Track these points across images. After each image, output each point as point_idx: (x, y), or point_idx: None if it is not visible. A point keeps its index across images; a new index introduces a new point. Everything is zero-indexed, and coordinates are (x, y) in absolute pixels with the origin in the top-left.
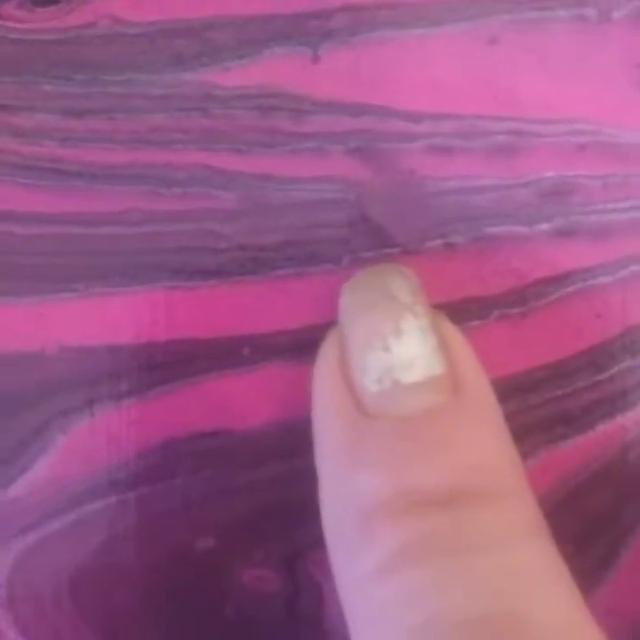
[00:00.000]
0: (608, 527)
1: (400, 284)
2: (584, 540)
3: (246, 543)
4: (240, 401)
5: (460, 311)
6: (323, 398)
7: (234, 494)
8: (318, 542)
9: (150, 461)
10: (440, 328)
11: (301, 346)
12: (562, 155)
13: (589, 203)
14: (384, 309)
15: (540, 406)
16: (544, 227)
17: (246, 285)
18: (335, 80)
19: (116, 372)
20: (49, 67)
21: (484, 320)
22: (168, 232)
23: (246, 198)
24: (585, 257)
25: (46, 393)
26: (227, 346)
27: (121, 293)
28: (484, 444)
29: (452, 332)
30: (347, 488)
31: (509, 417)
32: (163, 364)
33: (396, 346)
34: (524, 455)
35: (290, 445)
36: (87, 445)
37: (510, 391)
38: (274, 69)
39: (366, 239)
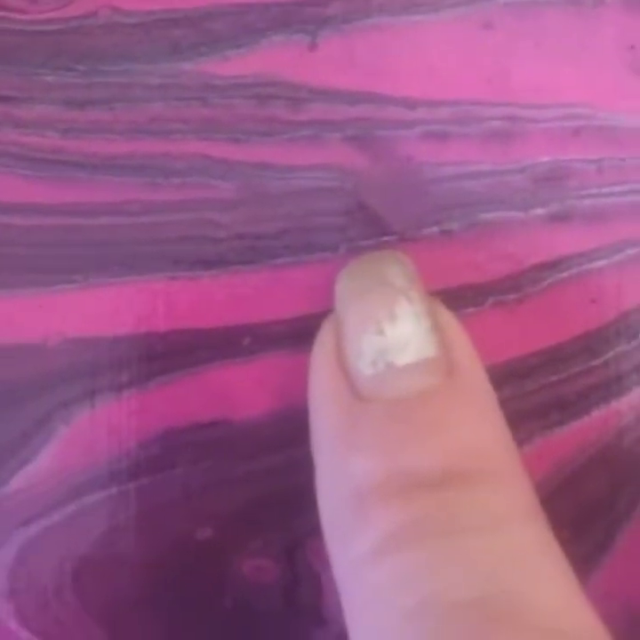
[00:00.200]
0: (604, 512)
1: (395, 270)
2: (580, 526)
3: (245, 533)
4: (239, 391)
5: (455, 297)
6: (318, 383)
7: (233, 484)
8: (317, 531)
9: (150, 452)
10: (435, 313)
11: (299, 335)
12: (557, 139)
13: (584, 187)
14: (379, 295)
15: (535, 392)
16: (539, 212)
17: (245, 274)
18: (332, 68)
19: (116, 363)
20: (50, 57)
21: (479, 306)
22: (167, 222)
23: (244, 187)
24: (580, 241)
25: (47, 384)
26: (226, 336)
27: (120, 284)
28: (477, 426)
29: (447, 317)
30: (341, 472)
31: (505, 403)
32: (162, 355)
33: (390, 330)
34: (520, 441)
35: (289, 435)
36: (88, 436)
37: (506, 377)
38: (271, 58)
39: (363, 227)
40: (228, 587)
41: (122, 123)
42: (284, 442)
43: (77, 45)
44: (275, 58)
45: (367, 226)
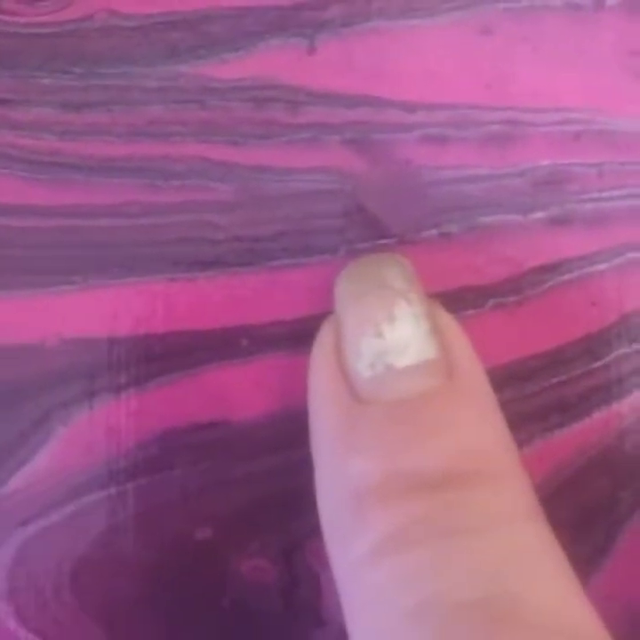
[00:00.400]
0: (604, 514)
1: (395, 272)
2: (580, 528)
3: (244, 534)
4: (238, 392)
5: (455, 300)
6: (318, 385)
7: (231, 485)
8: (315, 533)
9: (149, 452)
10: (434, 315)
11: (298, 336)
12: (556, 143)
13: (585, 191)
14: (378, 297)
15: (535, 394)
16: (539, 215)
17: (243, 276)
18: (330, 71)
19: (114, 364)
20: (47, 60)
21: (479, 309)
22: (166, 224)
23: (243, 190)
24: (581, 245)
25: (46, 385)
26: (224, 337)
27: (119, 285)
28: (478, 428)
29: (446, 319)
30: (340, 473)
31: (505, 405)
32: (161, 356)
33: (389, 332)
34: (520, 443)
35: (287, 437)
36: (87, 437)
37: (506, 379)
38: (269, 61)
39: (362, 229)
40: (227, 587)
41: (120, 125)
42: (283, 443)
43: (74, 48)
44: (273, 61)
45: (366, 228)
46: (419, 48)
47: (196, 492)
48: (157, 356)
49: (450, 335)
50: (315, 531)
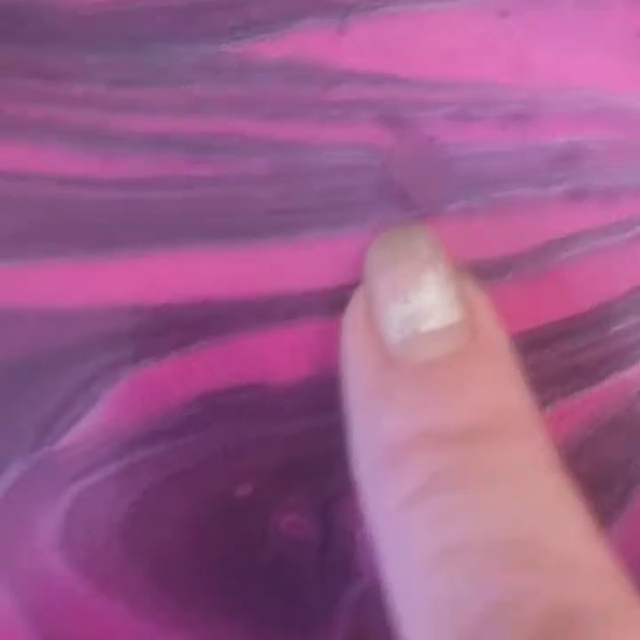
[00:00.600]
0: (621, 472)
1: (422, 242)
2: (599, 485)
3: (282, 491)
4: (275, 356)
5: (477, 271)
6: (350, 349)
7: (270, 444)
8: (349, 491)
9: (192, 412)
10: (459, 283)
11: (331, 303)
12: (572, 121)
13: (599, 166)
14: (406, 264)
15: (554, 360)
16: (556, 190)
17: (280, 246)
18: (359, 51)
19: (158, 329)
20: (94, 39)
21: (499, 279)
22: (205, 197)
23: (278, 164)
24: (595, 218)
25: (94, 348)
26: (261, 304)
27: (163, 255)
28: (501, 386)
29: (470, 286)
30: (374, 431)
31: (526, 370)
32: (202, 321)
33: (416, 298)
34: (543, 404)
35: (322, 399)
36: (132, 398)
37: (526, 346)
38: (304, 41)
39: (391, 203)
40: (266, 542)
41: (162, 102)
42: (318, 405)
43: (120, 27)
44: (307, 41)
45: (394, 202)
46: (442, 29)
47: (237, 450)
48: (198, 322)
49: (473, 302)
50: (348, 489)
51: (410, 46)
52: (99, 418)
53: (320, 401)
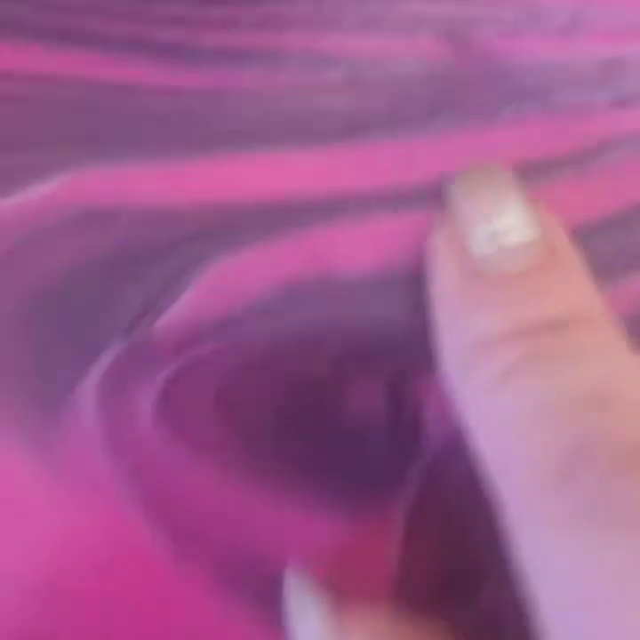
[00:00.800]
0: None
1: (500, 174)
2: None
3: (354, 371)
4: (347, 249)
5: (530, 172)
6: (438, 264)
7: (342, 330)
8: (417, 371)
9: (270, 301)
10: (535, 206)
11: (397, 201)
12: (618, 33)
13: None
14: (488, 192)
15: (605, 252)
16: (603, 96)
17: (351, 148)
18: None
19: (241, 225)
20: None
21: (552, 179)
22: (284, 106)
23: (350, 75)
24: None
25: (183, 243)
26: (337, 199)
27: (247, 156)
28: (580, 289)
29: (542, 208)
30: (462, 330)
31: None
32: (281, 218)
33: (498, 220)
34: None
35: (390, 291)
36: (217, 288)
37: (580, 237)
38: None
39: (449, 110)
40: (340, 417)
41: (244, 19)
42: (387, 295)
43: None
44: None
45: (452, 109)
46: None
47: (311, 334)
48: (277, 218)
49: (549, 222)
50: (415, 370)
51: None
52: (187, 306)
53: (388, 291)
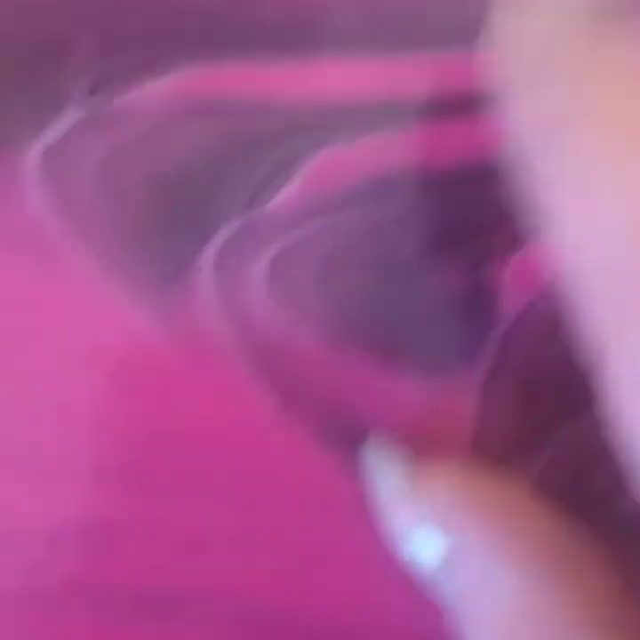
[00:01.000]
0: None
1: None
2: None
3: (439, 252)
4: (444, 145)
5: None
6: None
7: (429, 214)
8: (495, 254)
9: (365, 188)
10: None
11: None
12: None
13: None
14: None
15: None
16: None
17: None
18: None
19: (343, 121)
20: None
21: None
22: (388, 12)
23: None
24: None
25: (290, 135)
26: (438, 98)
27: (349, 59)
28: None
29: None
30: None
31: None
32: (379, 112)
33: None
34: None
35: (473, 175)
36: (320, 175)
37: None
38: None
39: None
40: (424, 293)
41: None
42: (473, 179)
43: None
44: None
45: None
46: None
47: (399, 220)
48: (379, 111)
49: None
50: (495, 252)
51: None
52: (294, 190)
53: (471, 176)
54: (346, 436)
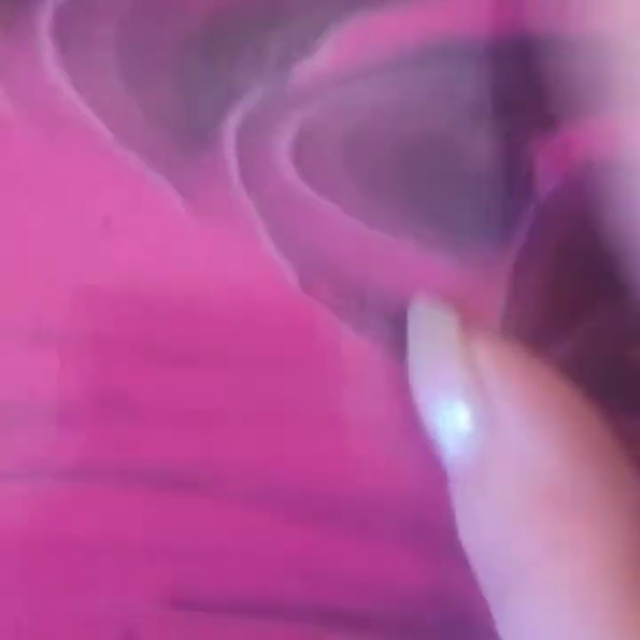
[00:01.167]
0: None
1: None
2: None
3: (478, 123)
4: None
5: None
6: None
7: (471, 90)
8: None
9: (403, 55)
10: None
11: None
12: None
13: None
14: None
15: None
16: None
17: None
18: None
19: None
20: None
21: None
22: None
23: None
24: None
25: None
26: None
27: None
28: None
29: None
30: None
31: None
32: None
33: None
34: None
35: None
36: (357, 41)
37: None
38: None
39: None
40: (461, 163)
41: None
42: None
43: None
44: None
45: None
46: None
47: (442, 90)
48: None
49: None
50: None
51: None
52: (325, 56)
53: (511, 50)
54: (373, 311)
